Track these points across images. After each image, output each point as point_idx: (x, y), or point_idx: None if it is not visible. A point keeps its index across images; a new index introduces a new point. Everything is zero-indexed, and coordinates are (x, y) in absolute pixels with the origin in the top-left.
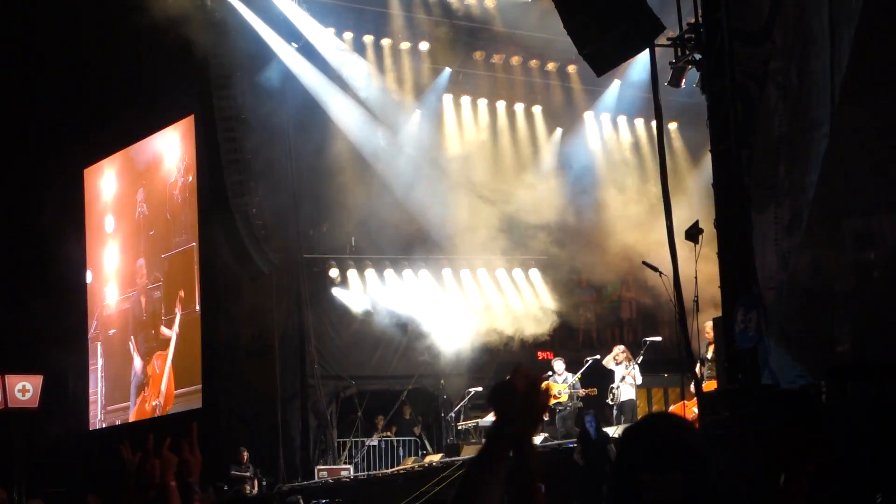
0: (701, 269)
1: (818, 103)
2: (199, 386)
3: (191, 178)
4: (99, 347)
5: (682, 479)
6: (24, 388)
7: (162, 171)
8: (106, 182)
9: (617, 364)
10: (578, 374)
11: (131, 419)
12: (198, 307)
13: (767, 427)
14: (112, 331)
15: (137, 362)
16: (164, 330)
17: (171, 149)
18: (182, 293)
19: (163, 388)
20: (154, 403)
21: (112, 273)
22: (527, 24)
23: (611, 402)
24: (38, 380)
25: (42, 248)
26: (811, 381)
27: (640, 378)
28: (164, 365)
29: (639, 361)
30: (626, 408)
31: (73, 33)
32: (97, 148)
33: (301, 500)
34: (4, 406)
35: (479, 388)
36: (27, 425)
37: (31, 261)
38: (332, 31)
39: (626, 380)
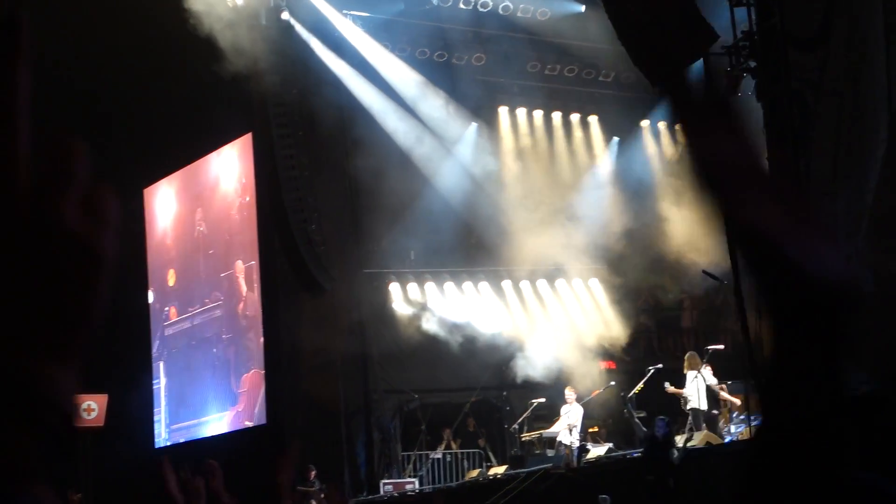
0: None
1: (875, 109)
2: (263, 404)
3: (248, 198)
4: (161, 367)
5: None
6: (90, 408)
7: (220, 190)
8: (165, 202)
9: (687, 371)
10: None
11: (207, 433)
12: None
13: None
14: (175, 350)
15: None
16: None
17: (228, 168)
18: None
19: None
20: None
21: (173, 292)
22: (581, 34)
23: (686, 410)
24: (104, 399)
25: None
26: (875, 386)
27: (711, 379)
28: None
29: (707, 368)
30: (696, 416)
31: (130, 51)
32: (156, 167)
33: None
34: None
35: (542, 400)
36: (93, 444)
37: None
38: (387, 46)
39: (693, 387)
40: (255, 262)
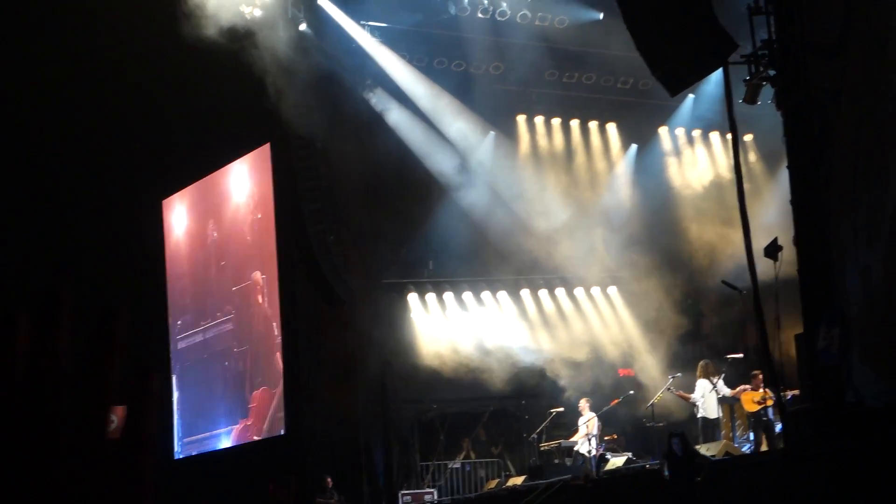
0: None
1: (895, 117)
2: (282, 414)
3: (261, 214)
4: (174, 380)
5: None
6: (109, 420)
7: (234, 202)
8: (180, 214)
9: (699, 379)
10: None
11: (221, 446)
12: (278, 336)
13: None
14: (187, 363)
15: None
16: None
17: (243, 180)
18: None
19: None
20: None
21: (185, 305)
22: (599, 42)
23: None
24: (122, 410)
25: (125, 279)
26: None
27: (726, 391)
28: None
29: (721, 377)
30: (705, 425)
31: (147, 64)
32: (174, 179)
33: None
34: None
35: (561, 409)
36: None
37: (116, 291)
38: (404, 56)
39: (707, 396)
40: (271, 274)
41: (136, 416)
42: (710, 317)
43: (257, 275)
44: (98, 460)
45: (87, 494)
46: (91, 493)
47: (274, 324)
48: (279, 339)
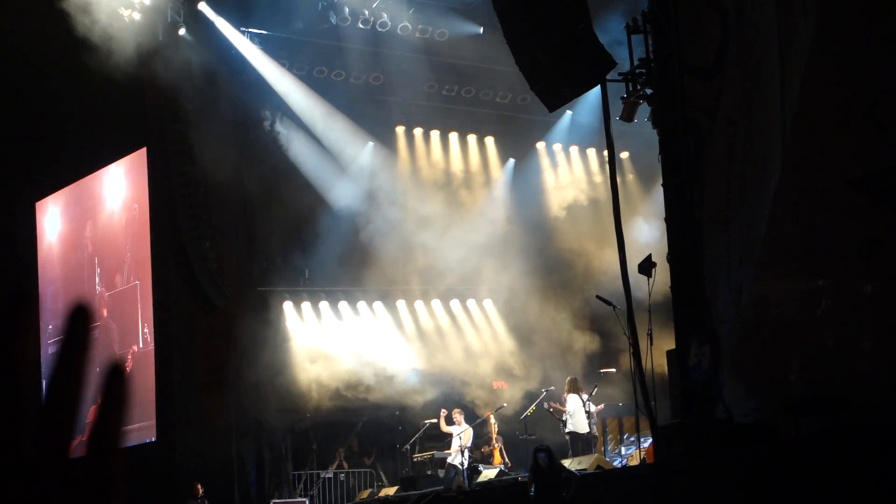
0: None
1: (769, 138)
2: (153, 421)
3: (138, 215)
4: (45, 386)
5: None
6: None
7: (110, 206)
8: (54, 216)
9: (568, 394)
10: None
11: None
12: (151, 342)
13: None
14: None
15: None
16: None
17: (120, 184)
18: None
19: None
20: None
21: (57, 310)
22: (479, 55)
23: (564, 433)
24: None
25: None
26: (765, 414)
27: (592, 407)
28: None
29: (593, 392)
30: (575, 439)
31: (23, 66)
32: (48, 181)
33: None
34: None
35: (434, 420)
36: None
37: None
38: (284, 64)
39: (578, 411)
40: (145, 280)
41: (107, 416)
42: (583, 331)
43: (102, 290)
44: (65, 467)
45: (55, 500)
46: (60, 498)
47: (145, 329)
48: (118, 353)
